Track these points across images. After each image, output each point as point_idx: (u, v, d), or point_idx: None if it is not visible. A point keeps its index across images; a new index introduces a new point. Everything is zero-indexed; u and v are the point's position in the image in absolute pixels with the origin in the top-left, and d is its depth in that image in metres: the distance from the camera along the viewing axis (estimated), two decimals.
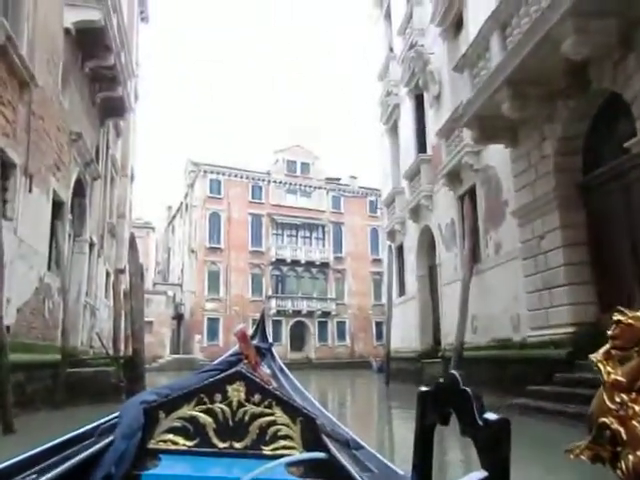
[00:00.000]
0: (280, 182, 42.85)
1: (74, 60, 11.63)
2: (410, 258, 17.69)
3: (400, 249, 19.07)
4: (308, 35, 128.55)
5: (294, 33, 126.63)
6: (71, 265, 12.49)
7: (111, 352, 13.58)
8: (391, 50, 19.17)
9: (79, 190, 12.47)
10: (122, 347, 15.05)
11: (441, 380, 0.95)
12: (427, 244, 16.39)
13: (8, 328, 7.89)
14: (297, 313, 40.40)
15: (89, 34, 11.26)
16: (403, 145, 18.30)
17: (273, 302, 39.47)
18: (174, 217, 50.38)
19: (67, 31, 10.70)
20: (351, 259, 43.78)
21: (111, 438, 1.77)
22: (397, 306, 18.68)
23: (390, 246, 19.94)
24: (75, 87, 11.80)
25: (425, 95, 15.51)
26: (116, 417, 1.93)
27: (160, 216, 57.16)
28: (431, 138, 15.20)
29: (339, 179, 46.38)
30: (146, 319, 25.58)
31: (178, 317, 41.07)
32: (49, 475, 1.47)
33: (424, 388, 1.01)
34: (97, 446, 1.75)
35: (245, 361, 2.43)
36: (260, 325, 3.25)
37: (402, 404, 12.25)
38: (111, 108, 14.41)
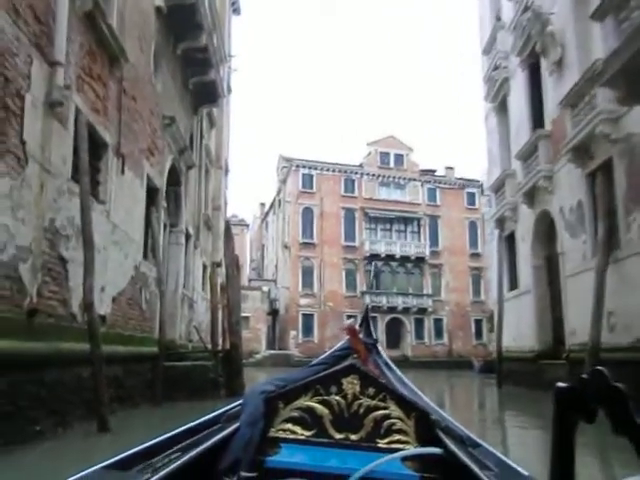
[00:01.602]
0: (373, 175, 41.68)
1: (166, 43, 11.23)
2: (523, 248, 15.91)
3: (510, 238, 17.29)
4: (401, 23, 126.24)
5: (386, 22, 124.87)
6: (168, 256, 12.16)
7: (209, 346, 13.15)
8: (498, 19, 17.43)
9: (174, 178, 12.10)
10: (220, 341, 14.66)
11: (584, 376, 0.83)
12: (544, 231, 14.59)
13: (104, 318, 7.44)
14: (392, 309, 39.10)
15: (180, 13, 10.81)
16: (514, 123, 16.53)
17: (367, 298, 38.42)
18: (267, 214, 50.78)
19: (158, 10, 10.26)
20: (448, 253, 41.75)
21: (237, 425, 1.89)
22: (508, 301, 16.92)
23: (499, 235, 18.18)
24: (168, 71, 11.42)
25: (543, 62, 13.74)
26: (239, 405, 2.03)
27: (253, 213, 58.19)
28: (550, 111, 13.42)
29: (434, 171, 44.44)
30: (242, 314, 25.57)
31: (273, 313, 41.16)
32: (185, 458, 1.52)
33: (562, 384, 0.89)
34: (225, 432, 1.85)
35: (355, 355, 2.48)
36: (365, 321, 3.20)
37: (519, 408, 10.91)
38: (204, 94, 14.02)
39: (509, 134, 17.07)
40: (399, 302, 39.34)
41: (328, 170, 40.51)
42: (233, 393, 10.47)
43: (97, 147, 7.42)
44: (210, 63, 13.03)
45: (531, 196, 14.67)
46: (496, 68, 17.27)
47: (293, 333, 37.45)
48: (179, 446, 1.66)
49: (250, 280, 45.62)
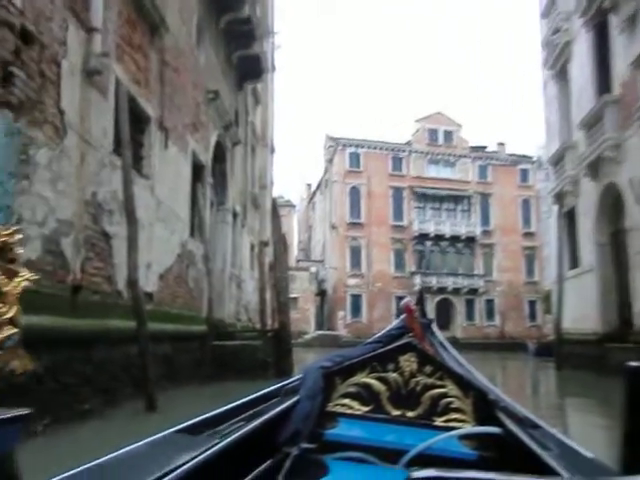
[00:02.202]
0: (421, 152, 40.64)
1: (208, 15, 10.91)
2: (585, 224, 14.95)
3: (570, 214, 16.30)
4: None
5: None
6: (215, 234, 12.00)
7: (257, 326, 13.01)
8: None
9: (219, 155, 11.88)
10: (269, 321, 14.52)
11: None
12: (610, 206, 13.62)
13: (150, 295, 7.29)
14: (442, 290, 38.26)
15: None
16: (575, 90, 15.45)
17: (417, 278, 37.72)
18: (314, 194, 50.49)
19: None
20: (500, 233, 40.41)
21: (296, 398, 1.92)
22: (567, 281, 16.00)
23: (558, 211, 17.20)
24: (210, 44, 11.13)
25: (611, 20, 12.67)
26: (298, 380, 2.09)
27: (300, 195, 58.01)
28: (619, 73, 12.40)
29: (485, 147, 42.93)
30: (291, 295, 25.42)
31: (321, 293, 41.05)
32: (249, 427, 1.54)
33: (633, 363, 0.88)
34: (285, 404, 1.88)
35: (410, 334, 2.46)
36: (419, 301, 3.09)
37: (581, 392, 10.25)
38: (248, 69, 13.68)
39: (570, 103, 16.00)
40: (449, 283, 38.47)
41: (375, 148, 39.74)
42: (282, 373, 10.27)
43: (139, 120, 7.21)
44: (253, 36, 12.66)
45: (595, 168, 13.70)
46: (556, 31, 16.17)
47: (341, 314, 37.24)
48: (242, 416, 1.70)
49: (298, 261, 45.61)
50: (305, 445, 1.79)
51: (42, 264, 4.47)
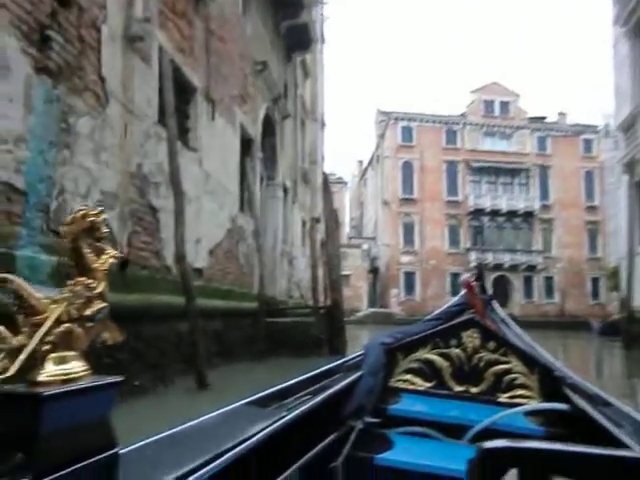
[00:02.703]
0: (476, 125, 39.05)
1: None
2: None
3: None
4: None
5: None
6: (265, 209, 11.81)
7: (310, 303, 12.81)
8: None
9: (269, 129, 11.61)
10: (321, 299, 14.31)
11: None
12: None
13: (200, 271, 7.15)
14: (499, 267, 36.98)
15: None
16: None
17: (472, 255, 36.65)
18: (365, 170, 49.78)
19: None
20: (560, 207, 38.54)
21: (359, 373, 1.94)
22: (638, 256, 14.99)
23: (628, 182, 16.06)
24: (257, 13, 10.79)
25: None
26: (359, 356, 2.12)
27: (352, 172, 57.42)
28: None
29: (544, 118, 40.85)
30: (343, 273, 25.19)
31: (374, 271, 40.60)
32: (314, 401, 1.56)
33: None
34: (348, 380, 1.88)
35: (471, 310, 2.48)
36: (479, 277, 2.96)
37: None
38: (296, 39, 13.27)
39: None
40: (506, 259, 37.10)
41: (428, 122, 38.51)
42: (335, 351, 10.06)
43: (185, 91, 7.00)
44: (301, 4, 12.23)
45: None
46: None
47: (394, 291, 36.72)
48: (307, 390, 1.71)
49: (350, 238, 45.21)
50: (369, 419, 1.83)
51: None
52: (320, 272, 14.50)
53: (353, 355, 2.20)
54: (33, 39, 3.75)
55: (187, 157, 6.76)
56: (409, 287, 36.86)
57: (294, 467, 1.43)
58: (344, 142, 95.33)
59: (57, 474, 0.67)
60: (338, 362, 2.12)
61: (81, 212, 0.78)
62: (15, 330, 0.71)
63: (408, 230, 37.51)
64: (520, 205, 37.94)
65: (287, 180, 13.59)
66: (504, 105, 39.88)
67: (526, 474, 1.02)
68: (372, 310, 36.31)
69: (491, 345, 2.05)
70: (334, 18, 73.19)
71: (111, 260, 0.83)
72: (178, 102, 6.81)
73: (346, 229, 49.81)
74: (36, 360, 0.70)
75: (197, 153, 7.14)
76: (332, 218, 10.51)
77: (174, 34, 6.47)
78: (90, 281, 0.80)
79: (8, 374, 0.66)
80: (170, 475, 0.90)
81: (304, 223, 16.52)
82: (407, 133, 38.39)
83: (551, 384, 1.91)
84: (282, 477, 1.35)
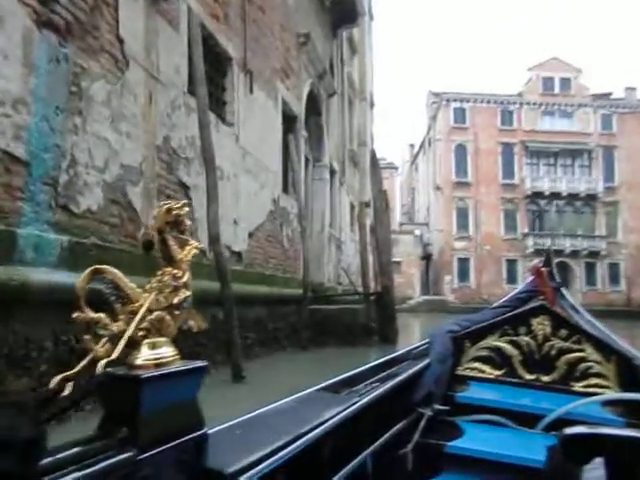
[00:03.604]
0: (534, 104, 37.07)
1: None
2: None
3: None
4: None
5: None
6: (312, 191, 11.28)
7: (359, 289, 12.23)
8: None
9: (314, 107, 11.03)
10: (371, 285, 13.72)
11: None
12: None
13: (239, 255, 6.70)
14: (559, 253, 35.05)
15: None
16: None
17: (530, 240, 35.04)
18: (417, 155, 48.47)
19: None
20: (627, 189, 36.18)
21: (427, 361, 1.93)
22: None
23: None
24: None
25: None
26: (425, 344, 2.11)
27: (402, 158, 56.15)
28: None
29: (609, 94, 38.30)
30: (394, 259, 24.44)
31: (426, 257, 39.52)
32: (384, 387, 1.57)
33: None
34: (416, 367, 1.88)
35: (541, 297, 2.40)
36: (548, 263, 2.79)
37: None
38: (342, 13, 12.57)
39: None
40: (566, 244, 35.23)
41: (482, 102, 36.87)
42: (386, 340, 9.50)
43: (220, 61, 6.52)
44: None
45: None
46: None
47: (448, 278, 35.57)
48: (376, 377, 1.70)
49: (402, 224, 44.19)
50: (438, 407, 1.80)
51: (105, 215, 3.91)
52: (370, 258, 13.92)
53: (418, 343, 2.17)
54: None
55: (223, 132, 6.29)
56: (463, 274, 35.61)
57: (365, 453, 1.43)
58: (394, 126, 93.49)
59: (156, 449, 0.74)
60: (404, 350, 2.10)
61: (165, 206, 0.84)
62: (114, 317, 0.77)
63: (462, 215, 36.18)
64: (581, 187, 35.91)
65: (334, 162, 13.00)
66: (564, 82, 37.69)
67: (613, 463, 0.90)
68: (425, 298, 35.36)
69: (563, 333, 1.99)
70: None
71: (194, 251, 0.87)
72: (213, 73, 6.35)
73: (397, 215, 48.78)
74: (133, 345, 0.77)
75: (233, 127, 6.66)
76: (381, 198, 9.87)
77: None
78: (176, 271, 0.84)
79: (111, 357, 0.72)
80: (254, 455, 0.93)
81: (352, 207, 15.91)
82: (460, 115, 36.91)
83: (629, 373, 1.85)
84: (354, 462, 1.35)
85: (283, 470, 0.98)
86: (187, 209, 0.84)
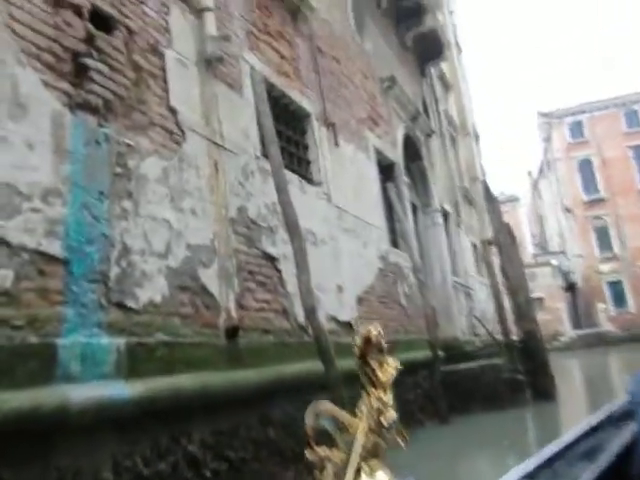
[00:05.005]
0: None
1: None
2: None
3: None
4: None
5: None
6: (426, 240, 10.37)
7: (499, 337, 10.82)
8: None
9: (412, 151, 10.31)
10: (513, 330, 12.19)
11: None
12: None
13: (349, 324, 5.93)
14: None
15: None
16: None
17: None
18: (537, 181, 45.40)
19: None
20: None
21: (634, 424, 1.49)
22: None
23: None
24: (376, 28, 9.78)
25: None
26: (626, 401, 1.61)
27: (523, 187, 53.02)
28: None
29: None
30: (535, 295, 22.17)
31: (570, 287, 35.82)
32: (593, 465, 1.26)
33: None
34: (623, 434, 1.46)
35: None
36: None
37: None
38: (426, 49, 11.95)
39: None
40: None
41: (600, 109, 33.92)
42: (542, 395, 8.08)
43: (297, 119, 6.08)
44: (422, 8, 10.98)
45: None
46: None
47: (601, 306, 31.77)
48: (575, 452, 1.36)
49: (535, 256, 40.89)
50: None
51: (173, 306, 3.39)
52: (506, 300, 12.48)
53: (617, 402, 1.66)
54: (62, 70, 3.01)
55: (310, 193, 5.75)
56: (618, 298, 31.67)
57: None
58: (507, 157, 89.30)
59: None
60: (598, 413, 1.60)
61: (366, 332, 0.88)
62: (330, 445, 0.82)
63: (602, 234, 32.69)
64: None
65: (445, 203, 12.04)
66: None
67: None
68: (578, 332, 31.69)
69: None
70: (467, 26, 70.38)
71: (393, 371, 0.88)
72: (291, 132, 5.92)
73: (529, 248, 45.38)
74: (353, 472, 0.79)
75: (322, 186, 6.09)
76: (504, 231, 8.72)
77: (271, 56, 5.63)
78: (381, 393, 0.87)
79: None
80: None
81: (475, 247, 14.62)
82: (576, 128, 34.17)
83: None
84: None
85: None
86: (380, 329, 0.87)
